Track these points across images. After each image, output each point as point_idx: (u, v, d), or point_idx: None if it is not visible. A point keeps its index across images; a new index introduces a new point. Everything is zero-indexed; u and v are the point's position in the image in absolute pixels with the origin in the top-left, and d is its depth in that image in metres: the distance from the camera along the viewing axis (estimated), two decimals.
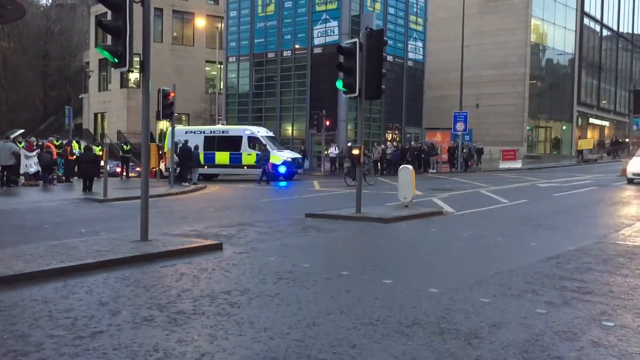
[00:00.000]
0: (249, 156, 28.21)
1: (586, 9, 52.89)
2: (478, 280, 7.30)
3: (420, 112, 41.71)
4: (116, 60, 9.04)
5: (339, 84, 13.42)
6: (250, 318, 5.66)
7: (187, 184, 23.82)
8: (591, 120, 57.16)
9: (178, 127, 28.39)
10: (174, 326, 5.39)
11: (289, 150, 30.11)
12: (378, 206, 15.05)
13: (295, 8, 37.61)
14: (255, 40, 39.87)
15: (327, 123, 32.62)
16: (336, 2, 35.49)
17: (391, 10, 38.72)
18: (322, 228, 11.82)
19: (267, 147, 27.18)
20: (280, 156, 27.85)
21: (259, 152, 27.05)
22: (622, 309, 6.03)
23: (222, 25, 44.11)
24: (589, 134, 55.64)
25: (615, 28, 60.11)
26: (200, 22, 48.29)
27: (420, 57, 41.55)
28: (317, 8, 36.42)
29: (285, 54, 38.38)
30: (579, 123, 54.07)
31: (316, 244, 10.36)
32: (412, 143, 35.74)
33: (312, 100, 36.53)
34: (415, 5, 40.98)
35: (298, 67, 37.73)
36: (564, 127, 52.04)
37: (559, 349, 4.89)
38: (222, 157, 28.82)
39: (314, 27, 36.52)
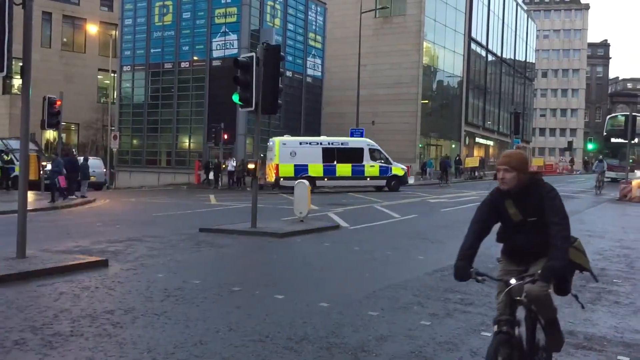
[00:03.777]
0: (371, 168, 28.99)
1: (473, 34, 56.19)
2: (368, 294, 7.44)
3: (318, 127, 42.30)
4: None
5: (235, 98, 13.32)
6: (133, 338, 5.40)
7: (74, 197, 22.60)
8: (477, 139, 60.52)
9: (288, 138, 29.07)
10: (49, 349, 5.04)
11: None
12: (274, 221, 15.02)
13: (194, 19, 37.05)
14: (152, 50, 38.81)
15: (226, 136, 32.27)
16: (236, 16, 35.35)
17: (290, 26, 39.14)
18: (216, 243, 11.60)
19: (389, 159, 29.61)
20: (401, 168, 30.10)
21: (382, 164, 28.98)
22: None
23: (117, 33, 42.56)
24: (476, 152, 58.88)
25: (499, 54, 64.34)
26: (93, 29, 46.25)
27: (319, 73, 42.26)
28: (217, 20, 36.08)
29: (183, 65, 37.62)
30: (467, 142, 57.09)
31: (209, 259, 10.14)
32: None
33: (210, 113, 36.00)
34: (314, 23, 41.71)
35: (196, 79, 37.10)
36: (453, 146, 54.72)
37: (440, 359, 5.06)
38: (343, 169, 28.65)
39: (213, 40, 36.11)
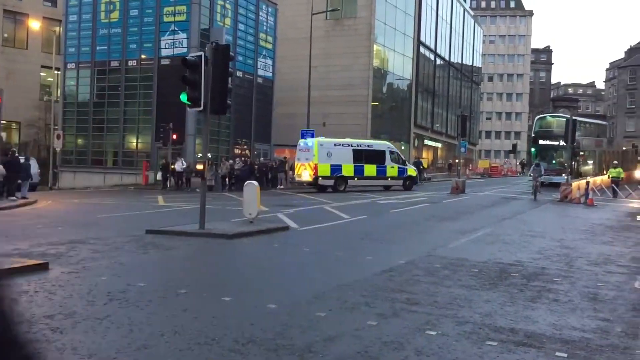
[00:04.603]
0: (392, 169, 31.35)
1: (422, 38, 57.16)
2: (316, 295, 7.44)
3: (269, 128, 42.18)
4: None
5: (184, 97, 13.13)
6: (73, 344, 5.24)
7: (14, 197, 21.79)
8: (426, 141, 61.57)
9: (324, 139, 30.52)
10: None
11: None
12: (223, 222, 14.87)
13: (142, 17, 36.30)
14: (98, 47, 37.81)
15: (174, 137, 31.75)
16: (185, 14, 34.84)
17: (241, 26, 38.86)
18: (163, 245, 11.39)
19: (405, 161, 32.54)
20: (414, 169, 33.33)
21: (400, 166, 31.70)
22: (444, 317, 6.47)
23: (60, 29, 41.27)
24: (424, 154, 59.88)
25: (447, 58, 65.67)
26: (35, 25, 44.68)
27: (270, 74, 42.11)
28: (165, 19, 35.46)
29: (130, 63, 36.80)
30: (416, 144, 58.00)
31: (155, 261, 9.95)
32: (261, 159, 35.96)
33: (158, 112, 35.33)
34: (265, 23, 41.54)
35: (144, 78, 36.34)
36: (403, 147, 55.45)
37: (386, 359, 5.11)
38: (370, 169, 30.49)
39: (162, 38, 35.47)
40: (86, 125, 38.31)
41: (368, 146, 31.66)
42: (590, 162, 40.14)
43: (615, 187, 29.11)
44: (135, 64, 36.63)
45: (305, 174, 29.40)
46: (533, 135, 37.48)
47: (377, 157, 31.16)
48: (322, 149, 29.25)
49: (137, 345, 5.28)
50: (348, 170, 29.63)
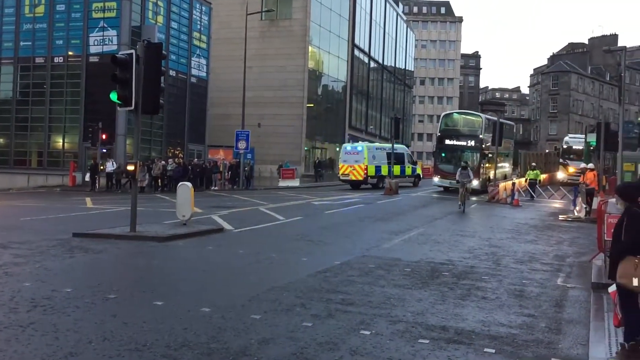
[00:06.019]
0: (408, 168, 37.32)
1: (356, 41, 57.83)
2: (251, 297, 7.39)
3: (203, 129, 41.57)
4: None
5: (113, 96, 12.75)
6: None
7: None
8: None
9: (368, 144, 37.71)
10: None
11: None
12: (155, 224, 14.52)
13: (69, 12, 34.98)
14: (21, 43, 36.16)
15: (104, 136, 30.73)
16: (115, 11, 33.83)
17: (174, 24, 38.12)
18: (91, 249, 11.00)
19: (415, 162, 38.18)
20: (420, 168, 39.37)
21: (412, 165, 37.92)
22: (378, 317, 6.56)
23: None
24: None
25: (380, 61, 66.72)
26: None
27: (204, 74, 41.52)
28: (94, 15, 34.31)
29: (56, 60, 35.38)
30: None
31: (82, 266, 9.59)
32: (196, 160, 35.37)
33: (87, 111, 34.14)
34: (199, 22, 40.92)
35: (71, 75, 35.02)
36: (337, 149, 55.94)
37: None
38: (397, 169, 35.18)
39: (90, 35, 34.30)
40: (8, 124, 36.55)
41: (395, 150, 35.05)
42: (504, 164, 35.99)
43: (531, 189, 29.21)
44: (62, 60, 35.28)
45: (355, 174, 34.38)
46: (438, 134, 33.00)
47: (400, 158, 36.50)
48: (370, 152, 34.55)
49: (64, 352, 5.07)
50: (385, 170, 34.33)
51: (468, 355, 5.36)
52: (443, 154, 31.73)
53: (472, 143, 30.81)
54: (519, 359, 5.36)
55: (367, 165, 33.98)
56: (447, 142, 31.44)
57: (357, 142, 38.65)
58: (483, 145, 30.58)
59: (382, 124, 67.62)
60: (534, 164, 36.31)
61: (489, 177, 30.87)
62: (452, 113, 36.92)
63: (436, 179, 32.12)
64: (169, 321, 6.17)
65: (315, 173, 43.89)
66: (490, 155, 30.94)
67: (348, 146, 36.87)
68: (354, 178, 34.41)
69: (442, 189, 31.59)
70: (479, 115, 34.04)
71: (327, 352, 5.30)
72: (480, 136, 30.66)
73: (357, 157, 34.58)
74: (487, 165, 31.38)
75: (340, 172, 35.45)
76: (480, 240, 13.67)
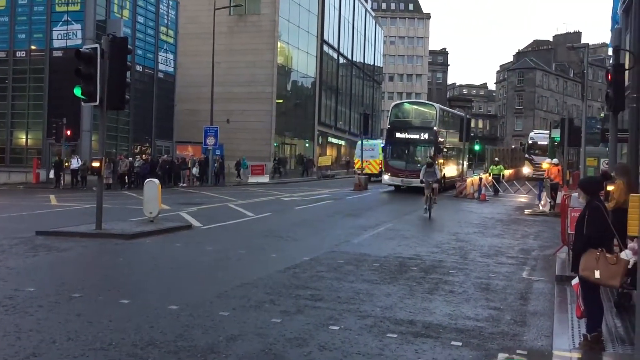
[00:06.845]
0: None
1: (325, 37, 57.82)
2: (219, 294, 7.34)
3: (171, 124, 41.04)
4: None
5: (78, 91, 12.49)
6: None
7: None
8: (330, 139, 62.42)
9: (381, 141, 38.49)
10: None
11: None
12: (121, 222, 14.30)
13: (31, 5, 34.09)
14: None
15: (68, 132, 30.11)
16: (79, 4, 33.09)
17: (140, 19, 37.51)
18: (55, 247, 10.78)
19: None
20: None
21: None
22: (347, 312, 6.59)
23: None
24: (328, 151, 60.69)
25: (349, 57, 66.87)
26: None
27: (171, 69, 40.98)
28: (58, 8, 33.51)
29: (18, 54, 34.50)
30: (320, 141, 58.65)
31: (46, 264, 9.39)
32: (165, 156, 34.93)
33: (51, 107, 33.38)
34: (166, 16, 40.34)
35: (34, 70, 34.19)
36: (307, 145, 55.94)
37: (289, 356, 5.12)
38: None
39: (54, 29, 33.52)
40: None
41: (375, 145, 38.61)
42: (460, 161, 34.07)
43: (496, 184, 29.23)
44: (24, 55, 34.41)
45: (371, 168, 38.24)
46: (388, 126, 29.72)
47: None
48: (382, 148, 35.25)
49: (26, 353, 4.96)
50: None
51: (435, 349, 5.42)
52: (393, 149, 28.76)
53: (425, 136, 27.89)
54: (485, 352, 5.44)
55: (382, 161, 34.60)
56: (398, 135, 28.35)
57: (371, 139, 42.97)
58: (438, 139, 27.89)
59: (351, 120, 67.83)
60: (497, 159, 36.86)
61: (445, 174, 28.14)
62: (403, 103, 34.32)
63: (386, 176, 28.80)
64: (135, 319, 6.08)
65: (274, 170, 42.80)
66: (445, 149, 29.26)
67: (365, 143, 37.68)
68: (369, 172, 37.14)
69: (393, 188, 28.90)
70: (433, 106, 30.87)
71: (296, 348, 5.30)
72: (435, 128, 27.88)
73: (373, 153, 39.12)
74: (442, 160, 28.62)
75: (356, 166, 38.75)
76: (448, 235, 13.82)
